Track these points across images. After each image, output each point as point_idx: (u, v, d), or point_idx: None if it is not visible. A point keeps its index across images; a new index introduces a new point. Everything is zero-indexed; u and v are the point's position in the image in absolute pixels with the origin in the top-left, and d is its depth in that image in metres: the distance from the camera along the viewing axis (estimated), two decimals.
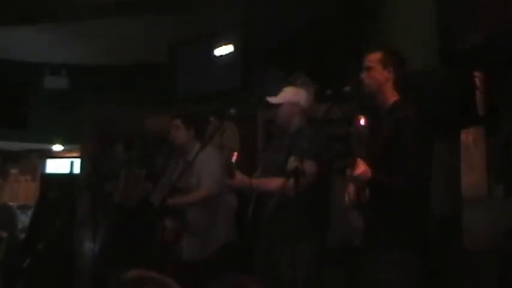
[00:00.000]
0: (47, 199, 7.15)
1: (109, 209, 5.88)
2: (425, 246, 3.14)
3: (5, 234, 6.96)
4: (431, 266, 3.70)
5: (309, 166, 3.43)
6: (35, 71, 7.81)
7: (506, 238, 3.74)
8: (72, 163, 8.55)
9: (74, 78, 7.89)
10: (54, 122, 7.81)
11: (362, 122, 2.95)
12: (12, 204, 7.94)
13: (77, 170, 8.08)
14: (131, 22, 6.39)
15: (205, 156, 4.20)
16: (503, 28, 3.72)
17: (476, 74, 4.10)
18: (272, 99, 3.84)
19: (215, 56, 6.28)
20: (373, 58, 3.19)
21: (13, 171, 9.44)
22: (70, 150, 8.80)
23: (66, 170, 8.68)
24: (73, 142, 8.09)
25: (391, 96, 3.17)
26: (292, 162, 3.37)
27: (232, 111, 3.75)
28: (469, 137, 4.20)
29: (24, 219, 7.54)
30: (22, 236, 7.21)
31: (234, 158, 3.56)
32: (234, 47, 6.17)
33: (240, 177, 3.67)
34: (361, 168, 2.91)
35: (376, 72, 3.16)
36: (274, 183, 3.53)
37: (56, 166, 9.31)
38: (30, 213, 7.47)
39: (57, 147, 8.92)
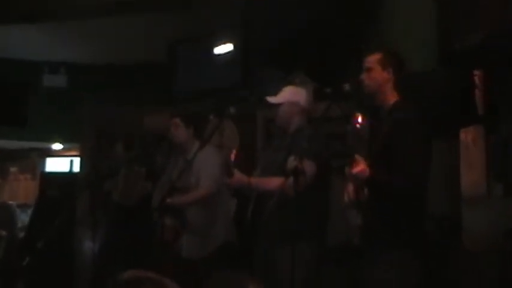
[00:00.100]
0: (47, 198, 7.15)
1: (108, 208, 5.88)
2: (424, 246, 3.14)
3: (4, 233, 6.95)
4: (430, 266, 3.71)
5: (309, 166, 3.44)
6: (34, 69, 7.80)
7: (505, 238, 3.75)
8: (71, 162, 8.55)
9: (73, 77, 7.88)
10: (54, 120, 7.80)
11: (360, 120, 2.96)
12: (11, 202, 7.94)
13: (76, 168, 8.09)
14: (131, 21, 6.39)
15: (205, 155, 4.20)
16: (503, 28, 3.72)
17: (476, 72, 4.11)
18: (272, 99, 3.84)
19: (215, 54, 6.28)
20: (373, 59, 3.21)
21: (12, 169, 9.44)
22: (69, 149, 8.80)
23: (66, 169, 8.68)
24: (73, 141, 8.09)
25: (391, 97, 3.19)
26: (291, 162, 3.37)
27: (232, 109, 3.75)
28: (468, 136, 4.21)
29: (23, 218, 7.54)
30: (21, 234, 7.21)
31: (233, 157, 3.56)
32: (234, 46, 6.17)
33: (238, 176, 3.67)
34: (360, 166, 2.92)
35: (376, 73, 3.18)
36: (274, 182, 3.53)
37: (55, 165, 9.31)
38: (29, 211, 7.48)
39: (57, 146, 8.92)
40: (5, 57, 7.58)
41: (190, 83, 6.57)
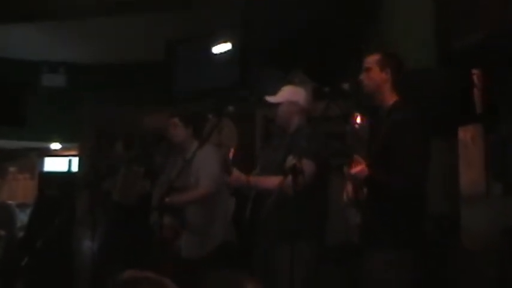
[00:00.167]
0: (46, 197, 7.15)
1: (107, 208, 5.88)
2: (423, 245, 3.15)
3: (3, 233, 6.96)
4: (429, 265, 3.71)
5: (308, 165, 3.43)
6: (34, 69, 7.81)
7: (504, 237, 3.75)
8: (70, 161, 8.56)
9: (73, 76, 7.89)
10: (53, 120, 7.81)
11: (359, 120, 2.97)
12: (10, 202, 7.94)
13: (75, 168, 8.10)
14: (131, 21, 6.39)
15: (204, 154, 4.20)
16: (503, 28, 3.73)
17: (475, 72, 4.11)
18: (271, 98, 3.84)
19: (215, 54, 6.28)
20: (372, 60, 3.24)
21: (11, 169, 9.44)
22: (68, 149, 8.80)
23: (65, 168, 8.69)
24: (72, 141, 8.09)
25: (390, 98, 3.21)
26: (290, 161, 3.37)
27: (231, 108, 3.75)
28: (467, 135, 4.22)
29: (22, 218, 7.53)
30: (21, 234, 7.20)
31: (231, 155, 3.56)
32: (234, 46, 6.17)
33: (237, 174, 3.67)
34: (359, 166, 2.92)
35: (374, 74, 3.21)
36: (272, 181, 3.52)
37: (54, 164, 9.31)
38: (28, 211, 7.47)
39: (56, 146, 8.92)
40: (5, 57, 7.58)
41: (190, 82, 6.57)
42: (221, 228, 4.44)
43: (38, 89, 7.84)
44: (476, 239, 4.01)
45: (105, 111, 7.07)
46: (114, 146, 6.39)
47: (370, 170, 2.94)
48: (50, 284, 6.35)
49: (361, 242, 3.17)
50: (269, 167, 3.76)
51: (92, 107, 7.30)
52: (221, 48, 6.24)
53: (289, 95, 3.82)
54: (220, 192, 4.39)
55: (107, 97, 7.39)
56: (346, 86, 3.23)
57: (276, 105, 3.82)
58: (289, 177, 3.19)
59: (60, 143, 8.71)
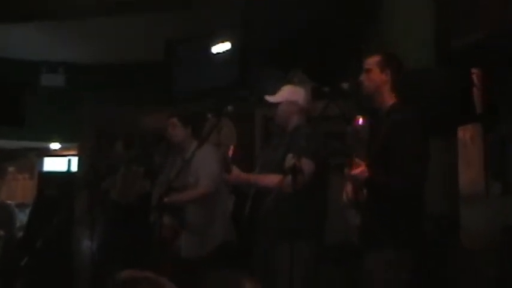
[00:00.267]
0: (45, 197, 7.14)
1: (106, 207, 5.88)
2: (423, 245, 3.15)
3: (2, 233, 6.96)
4: (429, 264, 3.71)
5: (307, 164, 3.43)
6: (33, 69, 7.80)
7: (503, 236, 3.75)
8: (69, 161, 8.55)
9: (73, 76, 7.88)
10: (53, 120, 7.80)
11: (361, 122, 2.98)
12: (10, 202, 7.94)
13: (74, 168, 8.09)
14: (131, 21, 6.39)
15: (203, 154, 4.20)
16: (503, 28, 3.73)
17: (474, 71, 4.12)
18: (271, 98, 3.84)
19: (214, 54, 6.28)
20: (372, 61, 3.26)
21: (11, 169, 9.44)
22: (68, 149, 8.79)
23: (64, 168, 8.68)
24: (72, 141, 8.08)
25: (389, 99, 3.22)
26: (290, 160, 3.37)
27: (230, 108, 3.75)
28: (466, 134, 4.22)
29: (22, 218, 7.53)
30: (20, 234, 7.20)
31: (231, 153, 3.56)
32: (234, 46, 6.17)
33: (236, 172, 3.67)
34: (359, 167, 2.93)
35: (374, 75, 3.22)
36: (271, 179, 3.52)
37: (53, 164, 9.30)
38: (28, 211, 7.46)
39: (55, 146, 8.91)
40: (4, 56, 7.58)
41: (190, 82, 6.57)
42: (221, 228, 4.44)
43: (38, 89, 7.83)
44: (476, 239, 4.01)
45: (105, 111, 7.07)
46: (114, 146, 6.39)
47: (370, 171, 2.94)
48: (49, 284, 6.34)
49: (360, 242, 3.17)
50: (268, 166, 3.75)
51: (91, 107, 7.29)
52: (221, 48, 6.24)
53: (288, 94, 3.82)
54: (220, 192, 4.39)
55: (107, 97, 7.38)
56: (345, 85, 3.23)
57: (276, 104, 3.82)
58: (289, 176, 3.19)
59: (59, 143, 8.70)
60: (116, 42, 6.92)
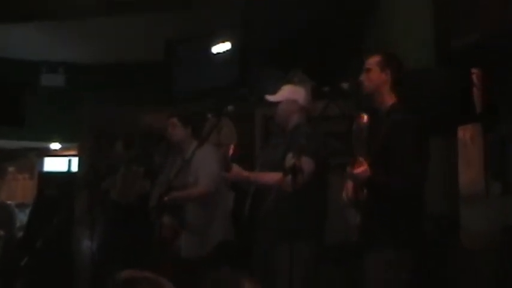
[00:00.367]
0: (45, 197, 7.14)
1: (106, 207, 5.88)
2: (423, 245, 3.15)
3: (2, 233, 6.96)
4: (429, 264, 3.71)
5: (307, 163, 3.43)
6: (33, 69, 7.80)
7: (503, 236, 3.75)
8: (70, 161, 8.56)
9: (73, 76, 7.87)
10: (53, 120, 7.79)
11: (365, 119, 2.98)
12: (10, 202, 7.94)
13: (74, 168, 8.09)
14: (131, 21, 6.39)
15: (203, 154, 4.20)
16: (503, 28, 3.72)
17: (474, 71, 4.12)
18: (271, 97, 3.85)
19: (215, 54, 6.28)
20: (372, 61, 3.27)
21: (11, 169, 9.43)
22: (68, 149, 8.79)
23: (64, 168, 8.68)
24: (72, 141, 8.08)
25: (389, 99, 3.23)
26: (290, 159, 3.37)
27: (230, 108, 3.76)
28: (466, 134, 4.22)
29: (22, 218, 7.53)
30: (20, 234, 7.20)
31: (231, 152, 3.57)
32: (234, 46, 6.17)
33: (236, 169, 3.67)
34: (362, 166, 2.93)
35: (374, 74, 3.23)
36: (271, 176, 3.53)
37: (53, 164, 9.30)
38: (28, 211, 7.46)
39: (55, 146, 8.91)
40: (4, 56, 7.57)
41: (190, 82, 6.57)
42: (220, 228, 4.44)
43: (38, 89, 7.82)
44: (476, 239, 4.01)
45: (105, 111, 7.06)
46: (114, 146, 6.39)
47: (371, 170, 2.95)
48: (49, 284, 6.34)
49: (360, 242, 3.17)
50: (268, 165, 3.76)
51: (91, 107, 7.29)
52: (221, 48, 6.24)
53: (289, 93, 3.83)
54: (220, 192, 4.40)
55: (107, 97, 7.38)
56: (345, 85, 3.24)
57: (276, 103, 3.83)
58: (289, 176, 3.19)
59: (59, 143, 8.69)
60: (116, 42, 6.91)
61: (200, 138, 4.38)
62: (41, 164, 9.35)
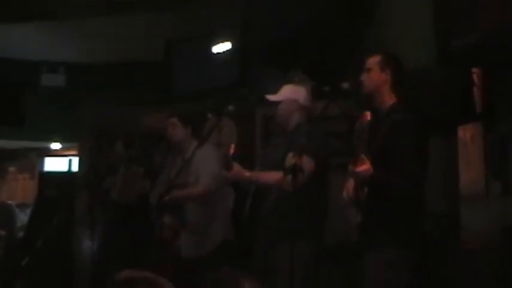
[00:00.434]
0: (45, 197, 7.15)
1: (106, 207, 5.88)
2: (423, 245, 3.15)
3: (3, 233, 6.97)
4: (429, 264, 3.71)
5: (307, 162, 3.44)
6: (34, 69, 7.80)
7: (504, 236, 3.75)
8: (70, 161, 8.56)
9: (73, 76, 7.87)
10: (53, 120, 7.79)
11: (369, 118, 2.99)
12: (10, 202, 7.96)
13: (75, 168, 8.09)
14: (131, 21, 6.39)
15: (203, 154, 4.20)
16: (503, 28, 3.72)
17: (474, 71, 4.12)
18: (271, 97, 3.85)
19: (214, 54, 6.28)
20: (372, 61, 3.28)
21: (11, 169, 9.43)
22: (68, 149, 8.80)
23: (65, 168, 8.69)
24: (72, 141, 8.08)
25: (389, 99, 3.24)
26: (290, 159, 3.37)
27: (230, 107, 3.76)
28: (466, 133, 4.22)
29: (22, 218, 7.54)
30: (20, 234, 7.21)
31: (232, 151, 3.57)
32: (234, 46, 6.17)
33: (237, 168, 3.67)
34: (364, 165, 2.93)
35: (374, 74, 3.24)
36: (272, 176, 3.54)
37: (54, 164, 9.31)
38: (28, 211, 7.47)
39: (56, 146, 8.91)
40: (5, 57, 7.57)
41: (190, 82, 6.57)
42: (221, 227, 4.44)
43: (38, 89, 7.82)
44: (476, 238, 4.01)
45: (105, 111, 7.07)
46: (114, 146, 6.39)
47: (372, 169, 2.96)
48: (49, 284, 6.35)
49: (360, 242, 3.17)
50: (269, 165, 3.76)
51: (92, 107, 7.29)
52: (221, 48, 6.25)
53: (289, 93, 3.83)
54: (220, 191, 4.40)
55: (107, 97, 7.38)
56: (345, 85, 3.24)
57: (276, 103, 3.83)
58: (289, 176, 3.19)
59: (60, 143, 8.70)
60: (116, 42, 6.91)
61: (200, 138, 4.38)
62: (42, 164, 9.35)
